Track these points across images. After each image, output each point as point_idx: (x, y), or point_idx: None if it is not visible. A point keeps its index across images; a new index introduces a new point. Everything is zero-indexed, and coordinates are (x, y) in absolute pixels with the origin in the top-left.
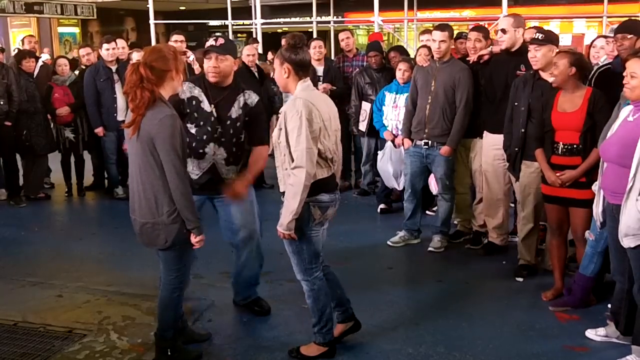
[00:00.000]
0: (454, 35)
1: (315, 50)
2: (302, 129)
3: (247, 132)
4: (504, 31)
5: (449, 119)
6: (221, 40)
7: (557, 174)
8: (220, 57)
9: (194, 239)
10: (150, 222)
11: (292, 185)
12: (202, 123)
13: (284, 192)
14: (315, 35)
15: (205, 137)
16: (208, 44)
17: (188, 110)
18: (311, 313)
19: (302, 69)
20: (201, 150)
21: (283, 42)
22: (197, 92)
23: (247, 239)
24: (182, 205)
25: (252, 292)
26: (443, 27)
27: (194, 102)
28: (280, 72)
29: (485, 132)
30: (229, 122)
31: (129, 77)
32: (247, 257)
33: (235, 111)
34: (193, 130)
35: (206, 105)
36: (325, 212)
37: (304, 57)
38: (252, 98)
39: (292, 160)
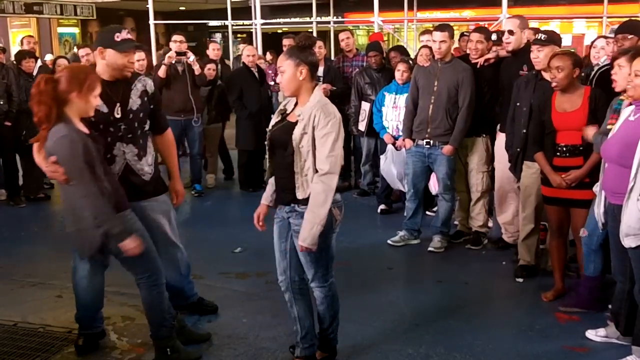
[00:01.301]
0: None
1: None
2: (339, 134)
3: (151, 121)
4: (511, 32)
5: (451, 119)
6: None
7: (562, 176)
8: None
9: (128, 244)
10: (75, 229)
11: (322, 193)
12: (101, 127)
13: (301, 200)
14: (315, 36)
15: (109, 139)
16: (122, 38)
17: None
18: (321, 319)
19: (316, 71)
20: (109, 155)
21: (289, 42)
22: None
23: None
24: (100, 221)
25: (191, 290)
26: (443, 27)
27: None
28: (294, 74)
29: (498, 132)
30: (131, 115)
31: (32, 89)
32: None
33: (133, 102)
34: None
35: (103, 108)
36: (341, 210)
37: (317, 60)
38: (149, 83)
39: (316, 166)
